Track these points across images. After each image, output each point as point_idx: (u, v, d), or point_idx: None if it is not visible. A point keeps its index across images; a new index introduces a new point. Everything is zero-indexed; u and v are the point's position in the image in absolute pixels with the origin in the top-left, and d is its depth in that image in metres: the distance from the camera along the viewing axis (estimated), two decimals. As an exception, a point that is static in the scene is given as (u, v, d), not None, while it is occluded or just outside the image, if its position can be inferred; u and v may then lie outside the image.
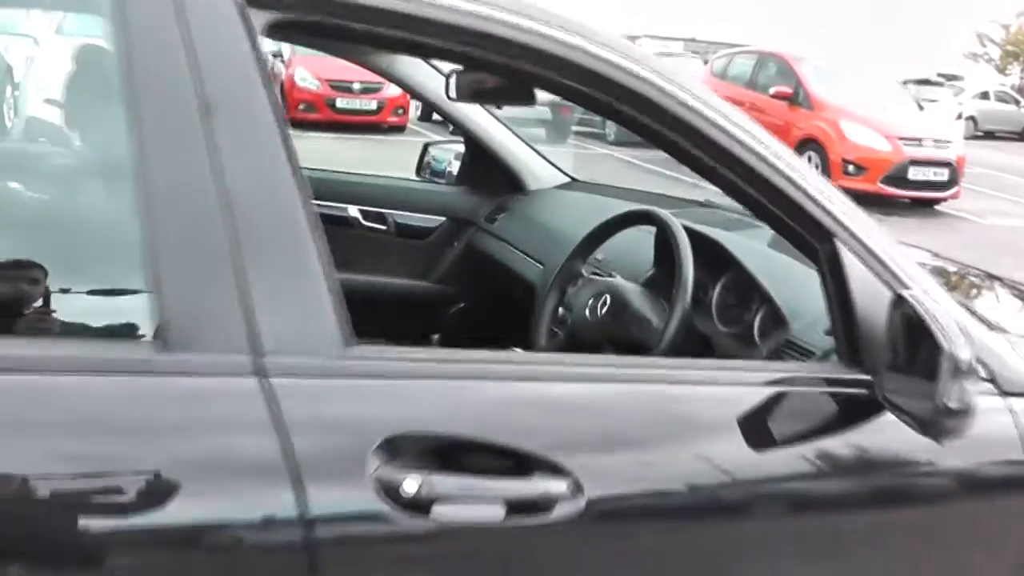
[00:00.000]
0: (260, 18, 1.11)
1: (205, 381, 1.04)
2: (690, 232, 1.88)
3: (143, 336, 1.04)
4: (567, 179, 2.85)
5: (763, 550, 1.40)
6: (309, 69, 13.26)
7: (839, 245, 1.44)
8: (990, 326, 1.76)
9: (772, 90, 11.79)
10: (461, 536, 1.13)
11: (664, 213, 1.94)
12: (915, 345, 1.32)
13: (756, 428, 1.38)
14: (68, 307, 1.13)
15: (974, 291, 2.44)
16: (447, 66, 2.16)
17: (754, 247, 1.99)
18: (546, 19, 1.30)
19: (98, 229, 1.12)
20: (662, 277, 1.90)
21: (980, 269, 2.56)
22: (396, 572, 1.13)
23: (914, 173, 10.49)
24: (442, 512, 1.09)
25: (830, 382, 1.45)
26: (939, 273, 2.38)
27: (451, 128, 3.06)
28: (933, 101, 20.20)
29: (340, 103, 13.58)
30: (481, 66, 1.47)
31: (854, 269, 1.44)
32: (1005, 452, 1.53)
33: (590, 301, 1.92)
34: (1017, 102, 28.31)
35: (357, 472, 1.06)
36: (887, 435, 1.42)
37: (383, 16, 1.21)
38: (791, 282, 1.79)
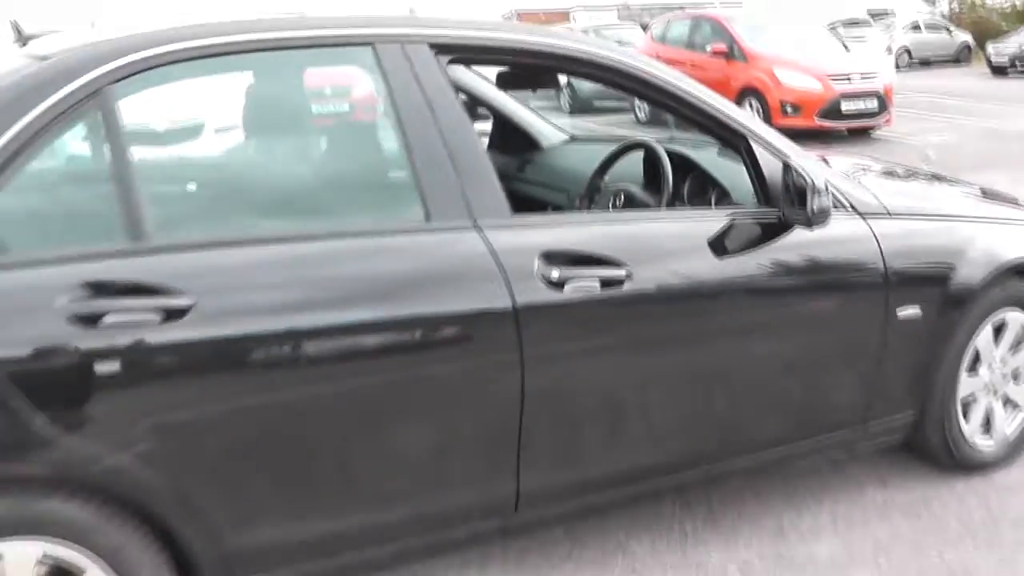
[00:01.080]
0: (444, 59, 2.22)
1: (449, 234, 2.15)
2: (667, 152, 3.00)
3: (419, 215, 2.14)
4: (567, 136, 3.96)
5: (725, 309, 2.53)
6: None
7: (750, 141, 2.57)
8: (860, 183, 2.92)
9: (709, 48, 12.97)
10: (580, 302, 2.24)
11: (651, 140, 3.06)
12: (796, 187, 2.46)
13: (718, 243, 2.49)
14: (388, 206, 2.25)
15: (897, 176, 3.50)
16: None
17: (707, 156, 3.10)
18: (570, 38, 2.45)
19: (399, 170, 2.20)
20: (652, 181, 3.01)
21: (925, 170, 3.72)
22: (551, 325, 2.23)
23: (846, 106, 11.65)
24: (569, 288, 2.21)
25: (754, 215, 2.57)
26: (887, 170, 3.51)
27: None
28: (860, 39, 21.41)
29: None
30: (537, 68, 2.59)
31: (760, 153, 2.57)
32: (863, 242, 2.69)
33: (611, 199, 3.04)
34: (948, 30, 29.70)
35: (531, 271, 2.17)
36: (789, 240, 2.56)
37: (494, 51, 2.35)
38: (730, 173, 2.91)
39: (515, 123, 3.83)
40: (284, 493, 2.02)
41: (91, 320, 1.78)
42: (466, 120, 2.21)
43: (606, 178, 3.23)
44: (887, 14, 33.67)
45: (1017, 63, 23.15)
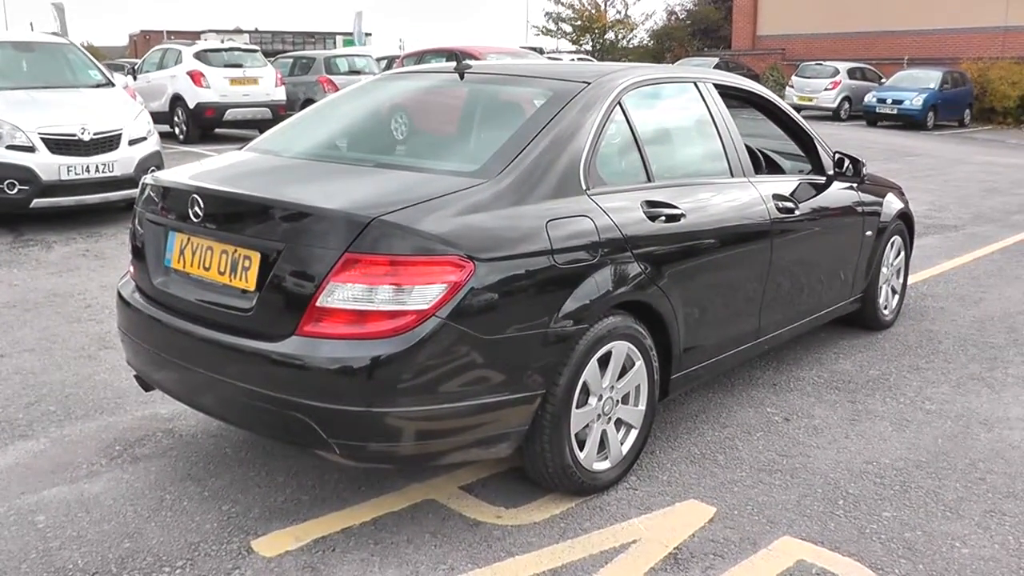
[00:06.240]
0: (718, 90, 4.25)
1: (740, 184, 4.13)
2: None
3: (727, 172, 4.13)
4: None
5: (810, 233, 4.73)
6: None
7: (814, 141, 4.86)
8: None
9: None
10: (786, 218, 4.33)
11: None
12: (841, 164, 4.80)
13: (797, 192, 4.61)
14: (715, 167, 4.15)
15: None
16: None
17: (780, 158, 5.27)
18: (746, 83, 4.61)
19: (717, 147, 4.16)
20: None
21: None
22: (779, 227, 4.24)
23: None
24: (780, 211, 4.30)
25: (811, 179, 4.81)
26: None
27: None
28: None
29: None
30: (740, 100, 4.66)
31: (820, 150, 4.87)
32: (854, 195, 5.09)
33: None
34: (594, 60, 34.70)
35: (770, 201, 4.27)
36: (836, 189, 4.88)
37: (731, 90, 4.45)
38: (793, 162, 5.15)
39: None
40: (706, 312, 3.82)
41: (652, 217, 3.50)
42: (732, 121, 4.23)
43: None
44: (540, 51, 38.27)
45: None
